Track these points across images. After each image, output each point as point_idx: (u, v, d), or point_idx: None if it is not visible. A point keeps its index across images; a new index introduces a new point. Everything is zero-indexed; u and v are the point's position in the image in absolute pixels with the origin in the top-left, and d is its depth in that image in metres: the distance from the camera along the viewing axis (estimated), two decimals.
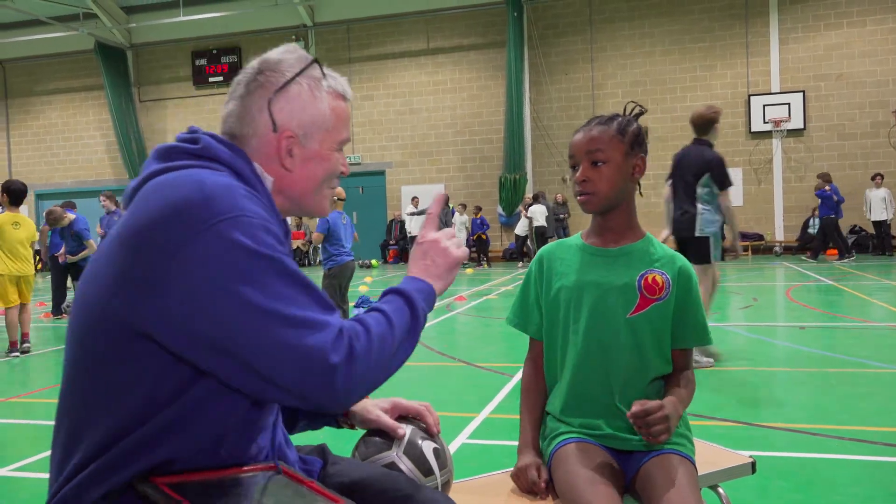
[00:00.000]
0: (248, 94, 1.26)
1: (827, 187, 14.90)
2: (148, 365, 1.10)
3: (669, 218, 5.52)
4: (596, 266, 1.79)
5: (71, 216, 8.72)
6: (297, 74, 1.26)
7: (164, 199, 1.10)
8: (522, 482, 1.76)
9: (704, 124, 5.38)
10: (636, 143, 1.75)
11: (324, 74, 1.30)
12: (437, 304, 1.37)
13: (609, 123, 1.75)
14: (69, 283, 9.83)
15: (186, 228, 1.06)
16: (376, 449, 1.51)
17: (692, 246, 5.32)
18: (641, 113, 1.79)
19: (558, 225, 16.88)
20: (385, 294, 1.28)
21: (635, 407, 1.57)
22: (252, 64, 1.29)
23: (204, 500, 1.06)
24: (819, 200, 15.05)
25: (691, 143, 5.43)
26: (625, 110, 1.81)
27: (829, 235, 15.04)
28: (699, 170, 5.27)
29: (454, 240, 1.38)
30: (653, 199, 17.59)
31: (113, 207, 9.57)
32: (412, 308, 1.25)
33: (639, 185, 1.79)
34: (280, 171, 1.27)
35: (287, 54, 1.28)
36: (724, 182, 5.25)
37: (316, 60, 1.30)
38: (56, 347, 7.63)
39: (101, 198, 9.74)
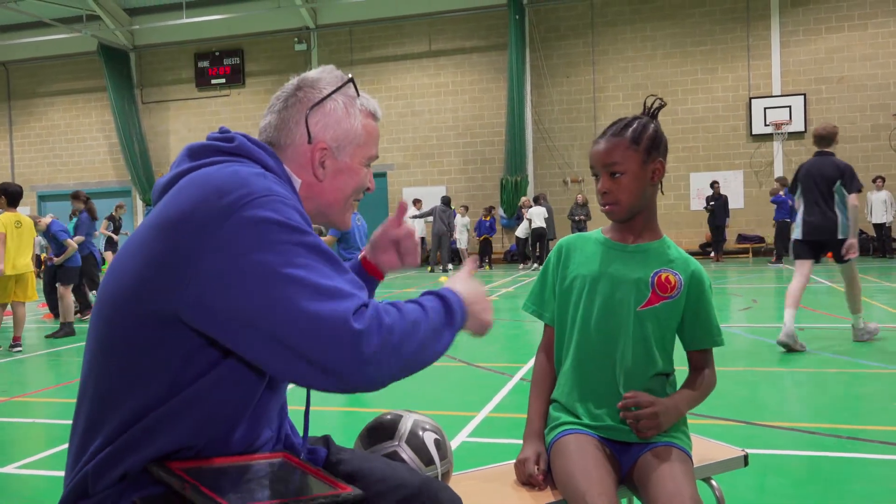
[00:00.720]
0: (286, 108, 1.33)
1: (782, 192, 14.97)
2: (173, 351, 1.13)
3: (800, 224, 6.02)
4: (613, 259, 1.84)
5: (47, 220, 8.80)
6: (335, 91, 1.34)
7: (202, 188, 1.14)
8: (520, 474, 1.80)
9: (829, 136, 5.98)
10: (652, 148, 1.77)
11: (358, 94, 1.37)
12: None
13: (623, 133, 1.77)
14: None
15: (221, 210, 1.10)
16: (379, 438, 1.55)
17: (835, 248, 5.88)
18: (661, 107, 1.83)
19: (575, 226, 16.59)
20: (423, 294, 1.28)
21: (628, 396, 1.66)
22: (291, 82, 1.36)
23: (217, 484, 1.09)
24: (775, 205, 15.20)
25: (815, 156, 6.01)
26: (645, 105, 1.84)
27: (783, 239, 15.00)
28: (834, 176, 5.81)
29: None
30: (670, 200, 17.69)
31: (81, 207, 9.64)
32: (448, 312, 1.24)
33: (660, 183, 1.83)
34: (311, 179, 1.34)
35: (325, 73, 1.37)
36: (857, 185, 5.79)
37: (352, 80, 1.37)
38: (58, 348, 7.66)
39: (70, 198, 9.83)
